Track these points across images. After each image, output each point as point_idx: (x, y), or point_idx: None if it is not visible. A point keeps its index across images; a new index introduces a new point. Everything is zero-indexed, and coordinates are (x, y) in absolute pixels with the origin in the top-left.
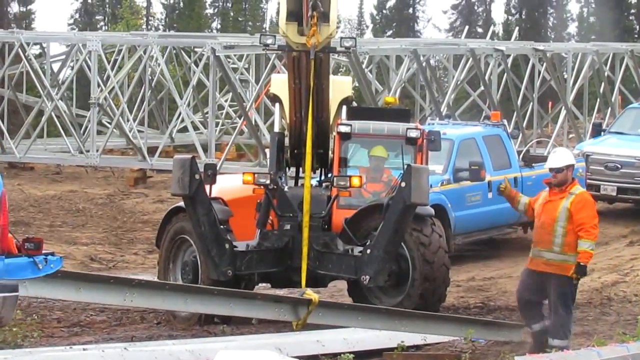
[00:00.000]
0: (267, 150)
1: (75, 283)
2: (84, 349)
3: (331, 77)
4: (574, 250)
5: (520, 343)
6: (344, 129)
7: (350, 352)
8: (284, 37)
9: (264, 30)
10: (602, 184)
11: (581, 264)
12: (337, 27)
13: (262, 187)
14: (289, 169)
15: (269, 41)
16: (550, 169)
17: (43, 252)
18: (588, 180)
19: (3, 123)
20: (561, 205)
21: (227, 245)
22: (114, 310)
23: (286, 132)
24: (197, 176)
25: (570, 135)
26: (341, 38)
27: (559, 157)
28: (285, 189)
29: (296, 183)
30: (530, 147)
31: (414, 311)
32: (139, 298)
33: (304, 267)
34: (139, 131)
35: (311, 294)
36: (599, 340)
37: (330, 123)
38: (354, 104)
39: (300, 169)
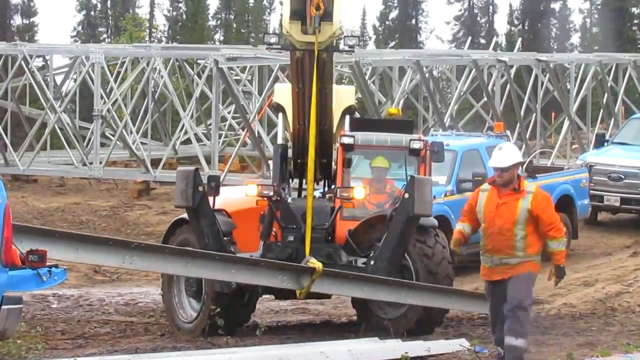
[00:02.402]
0: (271, 162)
1: (74, 244)
2: None
3: (334, 86)
4: (536, 250)
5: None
6: (347, 140)
7: None
8: (287, 37)
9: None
10: (605, 194)
11: (560, 266)
12: (340, 29)
13: (265, 198)
14: (292, 180)
15: (273, 40)
16: (495, 169)
17: (47, 264)
18: (591, 191)
19: (6, 135)
20: (520, 206)
21: (240, 256)
22: (117, 322)
23: (289, 144)
24: (200, 188)
25: (574, 146)
26: (345, 36)
27: (505, 155)
28: (289, 200)
29: (299, 194)
30: (533, 157)
31: (421, 284)
32: (138, 261)
33: (308, 235)
34: (142, 143)
35: (315, 262)
36: (602, 351)
37: (334, 132)
38: (357, 114)
39: (304, 180)
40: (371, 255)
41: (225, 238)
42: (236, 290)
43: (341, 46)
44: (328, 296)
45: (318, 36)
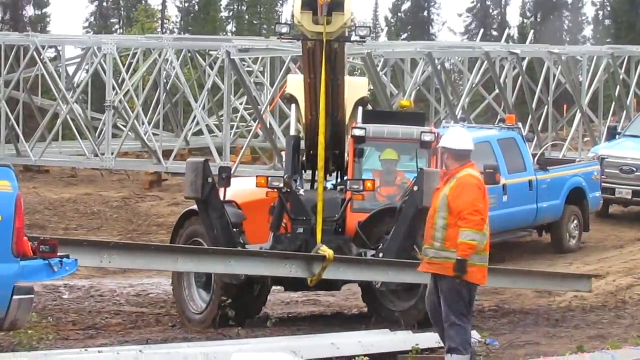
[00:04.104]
0: (283, 154)
1: None
2: (99, 352)
3: (347, 77)
4: (455, 245)
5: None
6: (358, 132)
7: (365, 355)
8: (299, 27)
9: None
10: (617, 187)
11: (459, 258)
12: (353, 20)
13: (275, 190)
14: (305, 172)
15: (284, 30)
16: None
17: (58, 254)
18: (603, 184)
19: (19, 126)
20: (442, 192)
21: (239, 249)
22: (129, 313)
23: (302, 135)
24: (209, 180)
25: (586, 139)
26: (356, 27)
27: (449, 137)
28: (301, 192)
29: (312, 186)
30: (545, 150)
31: None
32: (119, 259)
33: (319, 224)
34: (154, 134)
35: (326, 250)
36: (613, 344)
37: (346, 124)
38: (369, 107)
39: (316, 172)
40: (380, 247)
41: (234, 229)
42: (245, 282)
43: (353, 37)
44: (337, 288)
45: (329, 26)
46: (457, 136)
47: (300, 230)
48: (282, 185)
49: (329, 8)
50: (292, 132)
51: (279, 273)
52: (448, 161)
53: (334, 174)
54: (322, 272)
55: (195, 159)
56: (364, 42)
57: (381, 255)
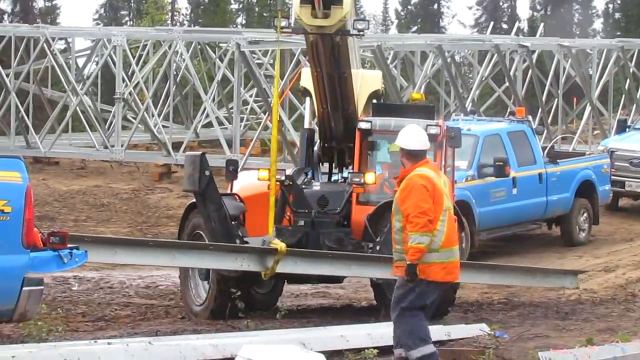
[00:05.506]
0: (292, 146)
1: None
2: (108, 343)
3: (361, 70)
4: None
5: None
6: (364, 125)
7: (374, 347)
8: (298, 21)
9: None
10: (627, 180)
11: (408, 263)
12: (362, 13)
13: (277, 183)
14: (322, 164)
15: (283, 24)
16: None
17: (68, 246)
18: (613, 177)
19: (28, 118)
20: (396, 195)
21: (237, 241)
22: (138, 305)
23: (316, 127)
24: (207, 172)
25: (595, 132)
26: (354, 20)
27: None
28: (317, 185)
29: (329, 178)
30: (555, 143)
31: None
32: None
33: (271, 216)
34: (163, 126)
35: (277, 242)
36: (623, 336)
37: (359, 116)
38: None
39: (333, 164)
40: (377, 240)
41: (233, 222)
42: (243, 275)
43: (352, 30)
44: (339, 281)
45: (327, 20)
46: (410, 135)
47: (301, 222)
48: (283, 178)
49: (327, 1)
50: (306, 125)
51: (229, 266)
52: (403, 159)
53: (350, 167)
54: (276, 266)
55: (193, 152)
56: (363, 35)
57: (378, 248)
